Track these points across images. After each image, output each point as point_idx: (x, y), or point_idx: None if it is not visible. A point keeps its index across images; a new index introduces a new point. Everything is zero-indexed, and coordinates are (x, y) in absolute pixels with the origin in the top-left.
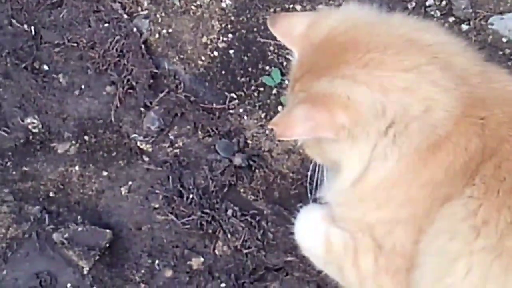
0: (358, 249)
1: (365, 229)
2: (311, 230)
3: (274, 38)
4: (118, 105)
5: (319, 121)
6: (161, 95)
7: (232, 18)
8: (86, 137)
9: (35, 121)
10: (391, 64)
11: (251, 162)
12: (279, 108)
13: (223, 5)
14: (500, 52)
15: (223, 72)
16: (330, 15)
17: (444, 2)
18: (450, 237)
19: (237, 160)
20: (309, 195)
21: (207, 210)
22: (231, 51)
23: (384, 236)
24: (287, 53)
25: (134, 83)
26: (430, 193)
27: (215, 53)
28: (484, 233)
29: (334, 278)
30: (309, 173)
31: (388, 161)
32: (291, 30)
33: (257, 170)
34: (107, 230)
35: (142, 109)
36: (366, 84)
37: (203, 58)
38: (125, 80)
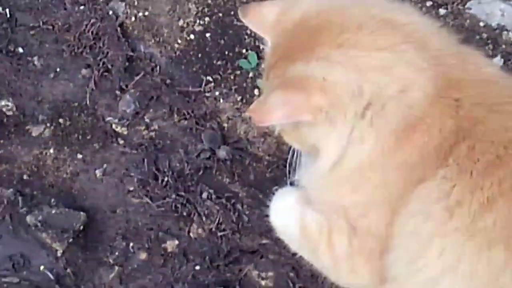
0: (332, 231)
1: (340, 212)
2: (286, 213)
3: None
4: (94, 88)
5: (296, 104)
6: (136, 78)
7: (209, 1)
8: (61, 120)
9: (9, 103)
10: (366, 44)
11: (236, 156)
12: (256, 91)
13: None
14: (477, 37)
15: (199, 55)
16: (302, 0)
17: None
18: (423, 219)
19: (221, 153)
20: (287, 178)
21: (182, 193)
22: (208, 34)
23: (358, 218)
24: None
25: (109, 66)
26: (405, 175)
27: (192, 36)
28: (457, 214)
29: (309, 260)
30: (289, 157)
31: (365, 144)
32: (263, 18)
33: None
34: (81, 213)
35: (118, 92)
36: (342, 64)
37: (179, 41)
38: (101, 63)
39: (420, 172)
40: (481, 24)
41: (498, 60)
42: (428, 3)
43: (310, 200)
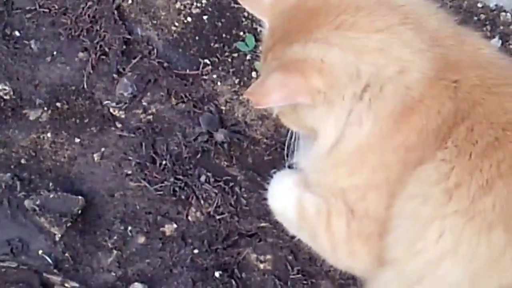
0: (331, 214)
1: (338, 194)
2: (284, 195)
3: None
4: (91, 71)
5: (294, 86)
6: (134, 61)
7: None
8: (58, 104)
9: (6, 87)
10: (363, 25)
11: (234, 139)
12: (253, 74)
13: None
14: (475, 18)
15: (197, 38)
16: None
17: None
18: (422, 201)
19: (219, 136)
20: (285, 161)
21: (180, 176)
22: (205, 17)
23: (357, 201)
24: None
25: (106, 49)
26: (403, 157)
27: (189, 19)
28: (457, 197)
29: (307, 243)
30: (287, 140)
31: (363, 127)
32: (260, 0)
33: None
34: (79, 197)
35: (115, 75)
36: (339, 46)
37: (176, 24)
38: (98, 46)
39: (419, 154)
40: (479, 5)
41: (496, 42)
42: None
43: (308, 183)
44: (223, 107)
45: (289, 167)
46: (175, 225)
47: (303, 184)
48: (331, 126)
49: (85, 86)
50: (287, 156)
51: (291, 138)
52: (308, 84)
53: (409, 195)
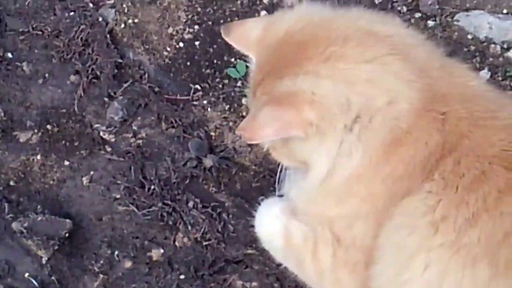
0: (317, 242)
1: (325, 223)
2: (271, 223)
3: None
4: (82, 94)
5: (287, 119)
6: (125, 85)
7: (199, 9)
8: (48, 126)
9: None
10: (353, 56)
11: (223, 165)
12: (243, 100)
13: None
14: (465, 49)
15: (188, 63)
16: (285, 16)
17: None
18: (408, 232)
19: (208, 161)
20: (276, 189)
21: (168, 202)
22: (197, 43)
23: (343, 230)
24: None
25: (98, 73)
26: (390, 188)
27: (181, 44)
28: (443, 229)
29: (294, 271)
30: (277, 172)
31: (352, 158)
32: (246, 36)
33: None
34: (67, 220)
35: (106, 99)
36: (330, 77)
37: (168, 49)
38: (90, 70)
39: (406, 186)
40: (469, 36)
41: (485, 73)
42: (417, 15)
43: (295, 211)
44: (212, 133)
45: (279, 197)
46: (162, 250)
47: (290, 212)
48: (323, 157)
49: (76, 109)
50: (277, 186)
51: (281, 170)
52: (300, 116)
53: (396, 226)
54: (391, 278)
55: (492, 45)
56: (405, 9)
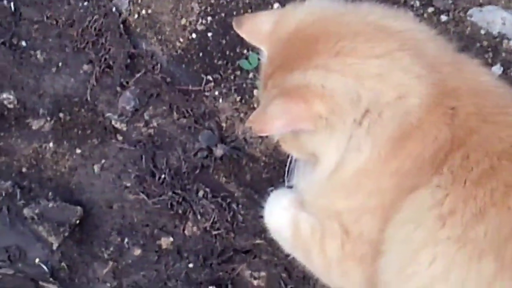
0: (325, 235)
1: (333, 216)
2: (280, 214)
3: None
4: (95, 83)
5: (296, 113)
6: (137, 75)
7: (212, 1)
8: (61, 114)
9: (10, 96)
10: (363, 51)
11: (234, 156)
12: (255, 92)
13: None
14: (478, 44)
15: (201, 54)
16: (296, 10)
17: None
18: (415, 226)
19: (219, 151)
20: (285, 181)
21: (178, 191)
22: (210, 34)
23: (351, 223)
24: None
25: (111, 63)
26: (399, 182)
27: (194, 35)
28: (450, 223)
29: (302, 262)
30: (287, 164)
31: (361, 152)
32: (257, 29)
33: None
34: (78, 207)
35: (118, 88)
36: (340, 72)
37: (181, 40)
38: (103, 59)
39: (414, 180)
40: (482, 32)
41: (497, 69)
42: (430, 9)
43: (304, 202)
44: (223, 124)
45: (288, 187)
46: (171, 239)
47: (299, 204)
48: (332, 151)
49: (89, 98)
50: (287, 178)
51: (291, 161)
52: (310, 110)
53: (403, 219)
54: (397, 271)
55: (505, 41)
56: (418, 3)
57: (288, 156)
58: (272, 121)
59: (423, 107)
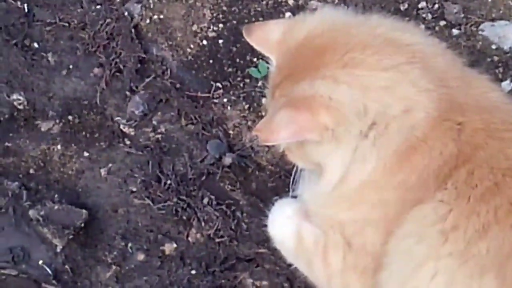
0: (328, 246)
1: (336, 227)
2: (283, 224)
3: None
4: (104, 87)
5: (302, 123)
6: (147, 80)
7: (224, 8)
8: (70, 117)
9: (21, 98)
10: (371, 63)
11: (242, 164)
12: (263, 100)
13: None
14: (489, 59)
15: (211, 61)
16: (306, 20)
17: (436, 6)
18: (417, 240)
19: (227, 159)
20: (290, 190)
21: (184, 197)
22: (220, 41)
23: (354, 235)
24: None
25: (121, 67)
26: (402, 195)
27: (204, 42)
28: (452, 239)
29: (303, 272)
30: (293, 173)
31: (366, 164)
32: (267, 37)
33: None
34: (83, 210)
35: (128, 92)
36: (347, 83)
37: (192, 46)
38: (113, 63)
39: (418, 193)
40: (493, 46)
41: (507, 84)
42: (442, 23)
43: (308, 212)
44: (231, 131)
45: (293, 197)
46: (175, 245)
47: (303, 214)
48: (338, 162)
49: (98, 101)
50: (292, 187)
51: (296, 171)
52: (316, 121)
53: (405, 233)
54: (398, 285)
55: None
56: (430, 16)
57: (294, 166)
58: (278, 130)
59: (429, 122)
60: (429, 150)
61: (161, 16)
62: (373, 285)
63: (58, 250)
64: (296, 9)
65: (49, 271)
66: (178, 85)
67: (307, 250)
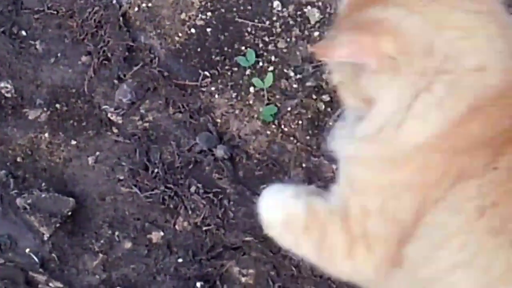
0: (350, 209)
1: (369, 189)
2: (288, 203)
3: (253, 19)
4: (92, 75)
5: (363, 44)
6: (135, 68)
7: None
8: (57, 105)
9: (8, 85)
10: (453, 1)
11: (233, 155)
12: (251, 89)
13: None
14: None
15: (199, 49)
16: None
17: None
18: (453, 214)
19: (219, 152)
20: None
21: (171, 185)
22: (209, 29)
23: (389, 199)
24: (264, 35)
25: (109, 55)
26: (447, 162)
27: (192, 30)
28: (489, 215)
29: (306, 255)
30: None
31: (427, 124)
32: None
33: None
34: (71, 199)
35: (116, 81)
36: (421, 14)
37: (180, 34)
38: (101, 51)
39: (464, 164)
40: None
41: None
42: None
43: (310, 192)
44: (218, 120)
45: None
46: (161, 233)
47: (306, 193)
48: (391, 97)
49: (86, 89)
50: (326, 140)
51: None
52: (378, 45)
53: (442, 206)
54: (425, 256)
55: None
56: None
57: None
58: (337, 48)
59: (497, 87)
60: (486, 119)
61: (150, 4)
62: (396, 255)
63: (45, 238)
64: None
65: (36, 259)
66: (166, 74)
67: (322, 220)
